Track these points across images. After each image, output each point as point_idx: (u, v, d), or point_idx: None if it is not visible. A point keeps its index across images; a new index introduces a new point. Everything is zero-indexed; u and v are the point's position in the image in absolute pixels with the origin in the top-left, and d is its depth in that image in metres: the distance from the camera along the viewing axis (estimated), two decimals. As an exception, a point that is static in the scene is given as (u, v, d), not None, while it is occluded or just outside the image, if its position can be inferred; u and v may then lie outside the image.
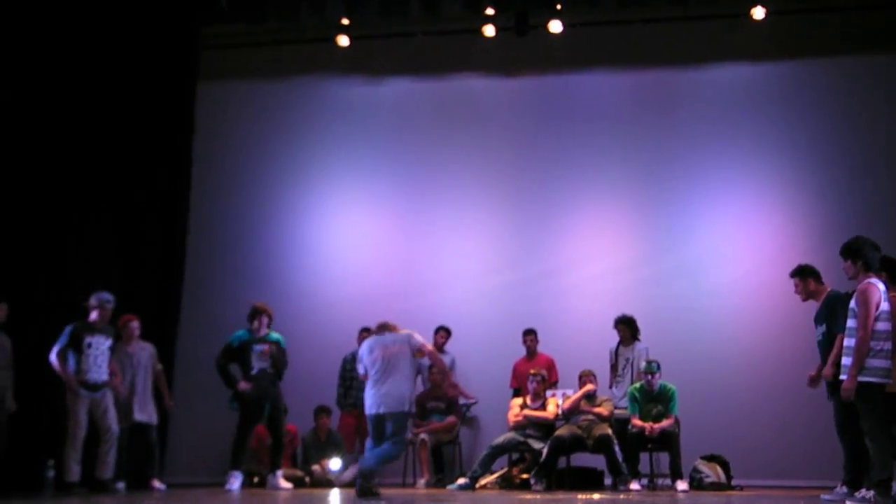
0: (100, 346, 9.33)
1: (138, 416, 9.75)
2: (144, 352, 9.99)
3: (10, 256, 10.60)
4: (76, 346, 9.24)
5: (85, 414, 9.18)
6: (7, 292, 9.69)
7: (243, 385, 9.66)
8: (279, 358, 9.81)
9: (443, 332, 11.12)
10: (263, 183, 12.27)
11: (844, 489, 7.41)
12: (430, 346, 8.29)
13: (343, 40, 12.20)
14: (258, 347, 9.75)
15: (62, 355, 9.18)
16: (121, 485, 9.48)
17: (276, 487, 9.61)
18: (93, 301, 9.42)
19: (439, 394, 10.83)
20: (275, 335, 9.90)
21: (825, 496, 7.50)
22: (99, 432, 9.28)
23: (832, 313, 7.64)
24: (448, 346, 11.12)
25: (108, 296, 9.49)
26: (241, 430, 9.73)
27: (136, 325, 9.95)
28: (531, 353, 10.96)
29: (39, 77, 11.08)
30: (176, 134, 11.78)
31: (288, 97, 12.43)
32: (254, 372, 9.70)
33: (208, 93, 12.16)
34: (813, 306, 8.11)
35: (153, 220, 11.48)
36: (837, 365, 7.26)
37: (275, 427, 9.82)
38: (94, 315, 9.39)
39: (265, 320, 9.82)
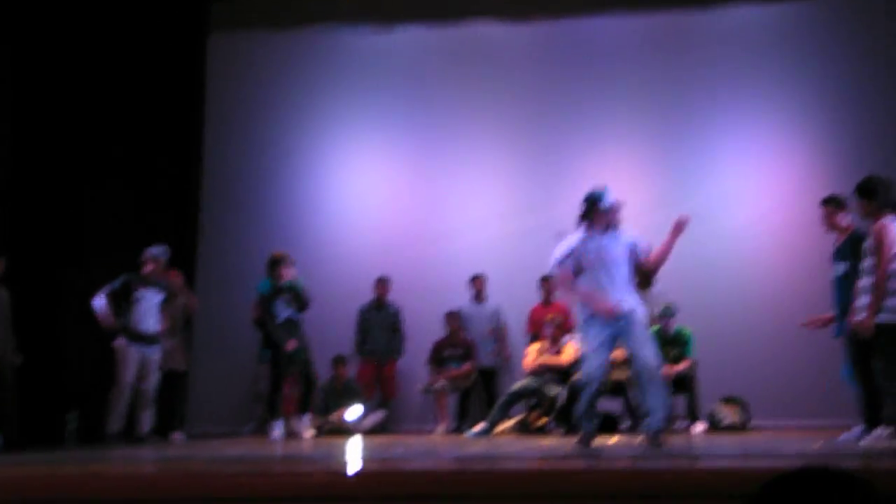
0: (151, 299, 9.41)
1: (172, 363, 9.90)
2: (177, 305, 10.13)
3: (25, 212, 10.62)
4: (126, 296, 9.30)
5: (135, 367, 9.24)
6: (20, 248, 9.71)
7: (292, 344, 9.68)
8: (300, 299, 9.82)
9: (479, 280, 11.17)
10: (277, 134, 12.25)
11: (862, 427, 7.40)
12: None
13: (353, -12, 12.12)
14: (282, 297, 9.76)
15: (111, 299, 9.25)
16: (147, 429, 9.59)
17: (298, 432, 9.67)
18: (147, 255, 9.50)
19: (456, 341, 10.87)
20: (297, 281, 9.87)
21: (843, 436, 7.49)
22: (138, 386, 9.32)
23: (857, 252, 7.46)
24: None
25: (158, 249, 9.57)
26: (276, 379, 9.78)
27: (178, 281, 10.15)
28: (547, 300, 10.97)
29: (48, 33, 11.04)
30: (187, 87, 11.75)
31: (299, 47, 12.36)
32: (279, 321, 9.74)
33: (219, 45, 12.12)
34: (829, 245, 8.02)
35: (167, 175, 11.48)
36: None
37: (307, 371, 9.89)
38: (148, 268, 9.48)
39: (284, 268, 9.81)
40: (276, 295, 9.74)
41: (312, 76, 12.26)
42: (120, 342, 9.26)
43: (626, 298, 6.95)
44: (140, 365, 9.29)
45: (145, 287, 9.40)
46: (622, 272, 7.02)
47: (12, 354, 9.39)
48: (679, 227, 7.11)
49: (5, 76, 10.63)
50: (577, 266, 7.02)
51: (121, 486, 4.60)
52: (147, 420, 9.40)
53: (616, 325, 6.90)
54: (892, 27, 11.13)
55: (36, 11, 10.90)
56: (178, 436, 9.91)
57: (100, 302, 9.26)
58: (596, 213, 7.11)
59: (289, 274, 9.76)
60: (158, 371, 9.53)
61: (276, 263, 9.79)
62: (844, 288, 7.54)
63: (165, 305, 9.65)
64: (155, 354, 9.45)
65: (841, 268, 7.64)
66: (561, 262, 7.06)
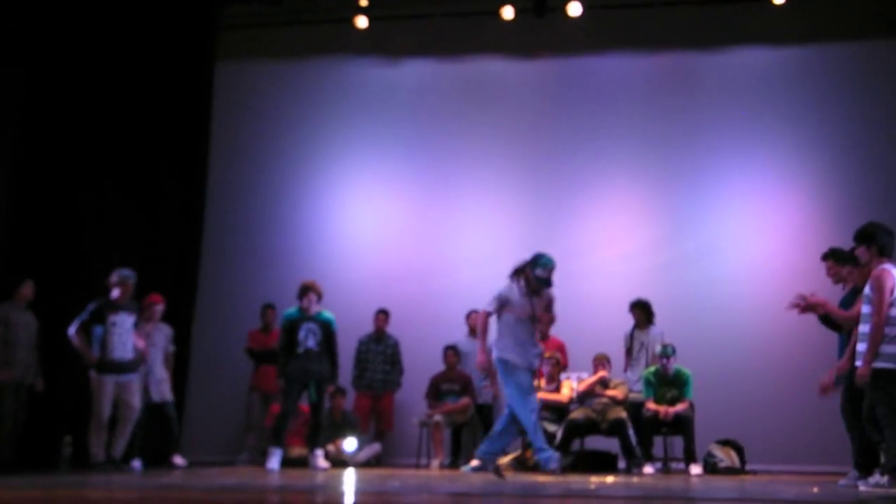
0: (124, 323, 9.26)
1: (153, 396, 9.79)
2: (161, 333, 10.04)
3: (29, 235, 10.64)
4: (101, 324, 9.19)
5: (110, 398, 9.12)
6: (21, 271, 9.74)
7: (280, 384, 9.79)
8: (329, 336, 9.87)
9: (474, 316, 11.14)
10: (281, 164, 12.28)
11: (857, 473, 7.40)
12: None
13: (361, 21, 12.17)
14: (307, 326, 9.78)
15: (82, 330, 9.13)
16: (136, 463, 9.50)
17: (315, 467, 9.65)
18: (114, 278, 9.33)
19: (453, 376, 10.86)
20: (326, 314, 9.91)
21: (842, 482, 7.48)
22: (119, 413, 9.23)
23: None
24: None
25: (129, 272, 9.41)
26: (283, 407, 9.80)
27: (161, 308, 9.99)
28: (543, 336, 10.93)
29: (60, 57, 11.11)
30: (194, 114, 11.77)
31: (306, 78, 12.43)
32: (299, 350, 9.74)
33: (226, 73, 12.15)
34: (832, 291, 8.08)
35: (170, 202, 11.48)
36: (851, 358, 7.24)
37: (314, 407, 9.89)
38: (116, 292, 9.29)
39: (314, 297, 9.83)
40: (300, 323, 9.76)
41: (318, 107, 12.31)
42: (93, 373, 9.19)
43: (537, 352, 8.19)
44: (116, 394, 9.17)
45: (116, 312, 9.25)
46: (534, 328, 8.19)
47: (33, 379, 9.39)
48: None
49: (18, 100, 10.68)
50: (501, 310, 8.04)
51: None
52: (122, 445, 9.26)
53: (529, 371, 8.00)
54: (895, 74, 11.19)
55: (49, 38, 10.95)
56: (178, 459, 9.84)
57: (73, 332, 9.16)
58: (529, 273, 7.90)
59: (314, 305, 9.80)
60: (141, 399, 9.44)
61: (305, 291, 9.82)
62: (844, 336, 7.60)
63: (139, 327, 9.56)
64: (133, 380, 9.30)
65: (843, 317, 7.69)
66: (489, 305, 8.07)
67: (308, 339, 9.74)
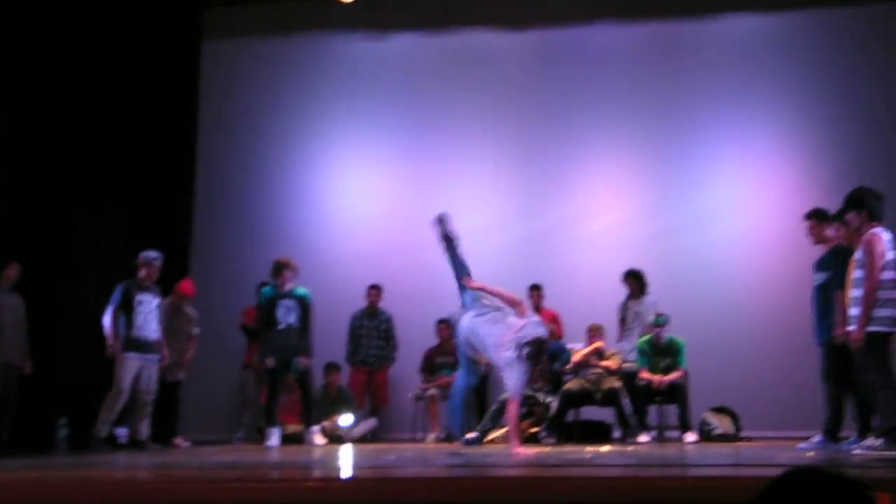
0: (149, 304, 9.36)
1: (171, 375, 9.89)
2: (182, 317, 10.13)
3: (14, 216, 10.59)
4: (127, 304, 9.25)
5: (132, 375, 9.18)
6: (12, 255, 9.70)
7: (269, 362, 9.70)
8: (305, 311, 9.83)
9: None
10: (270, 140, 12.25)
11: (821, 437, 7.53)
12: None
13: (348, -5, 12.11)
14: (284, 303, 9.75)
15: (116, 317, 9.19)
16: (121, 431, 9.52)
17: (311, 443, 9.66)
18: (140, 259, 9.43)
19: (447, 349, 10.86)
20: (300, 290, 9.89)
21: (801, 445, 7.59)
22: (137, 394, 9.28)
23: (838, 264, 7.55)
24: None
25: (154, 253, 9.50)
26: (271, 386, 9.79)
27: (187, 295, 10.15)
28: (536, 308, 10.93)
29: (48, 36, 11.04)
30: (182, 92, 11.77)
31: (293, 53, 12.38)
32: (280, 327, 9.72)
33: (213, 51, 12.11)
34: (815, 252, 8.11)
35: (159, 180, 11.45)
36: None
37: (301, 383, 9.88)
38: (142, 272, 9.40)
39: (289, 274, 9.81)
40: (277, 300, 9.73)
41: (306, 83, 12.26)
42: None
43: None
44: (139, 372, 9.23)
45: (142, 292, 9.35)
46: None
47: (20, 360, 9.38)
48: None
49: (5, 79, 10.62)
50: None
51: (113, 493, 4.58)
52: (145, 428, 9.35)
53: None
54: (889, 39, 11.16)
55: (37, 18, 10.87)
56: (180, 441, 9.87)
57: (108, 321, 9.19)
58: (545, 364, 7.85)
59: (290, 282, 9.76)
60: (157, 381, 9.49)
61: (279, 269, 9.79)
62: (821, 297, 7.68)
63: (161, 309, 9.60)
64: (154, 362, 9.40)
65: (820, 277, 7.77)
66: None
67: (288, 315, 9.73)
